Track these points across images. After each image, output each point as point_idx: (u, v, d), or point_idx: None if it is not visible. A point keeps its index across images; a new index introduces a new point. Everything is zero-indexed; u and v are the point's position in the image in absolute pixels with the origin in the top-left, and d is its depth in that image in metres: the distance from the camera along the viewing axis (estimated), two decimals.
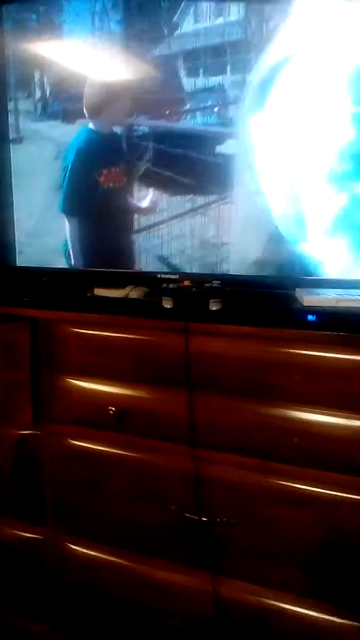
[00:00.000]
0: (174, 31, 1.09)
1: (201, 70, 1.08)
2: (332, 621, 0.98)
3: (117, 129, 1.21)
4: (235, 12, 1.02)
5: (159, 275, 1.18)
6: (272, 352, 0.96)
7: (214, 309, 1.05)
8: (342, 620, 0.97)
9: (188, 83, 1.09)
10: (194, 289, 1.10)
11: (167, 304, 1.07)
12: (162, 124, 1.13)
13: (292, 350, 0.95)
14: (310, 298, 0.98)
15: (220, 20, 1.03)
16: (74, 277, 1.31)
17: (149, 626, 1.14)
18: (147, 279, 1.21)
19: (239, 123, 1.04)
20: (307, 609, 1.00)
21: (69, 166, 1.28)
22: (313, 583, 0.99)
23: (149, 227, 1.19)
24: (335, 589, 0.98)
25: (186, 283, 1.13)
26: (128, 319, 1.07)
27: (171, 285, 1.12)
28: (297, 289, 1.06)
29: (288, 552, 1.00)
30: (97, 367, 1.11)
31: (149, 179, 1.17)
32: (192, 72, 1.08)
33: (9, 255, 1.34)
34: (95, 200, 1.25)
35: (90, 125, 1.26)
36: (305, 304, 0.98)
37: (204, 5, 1.04)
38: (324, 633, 0.99)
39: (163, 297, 1.07)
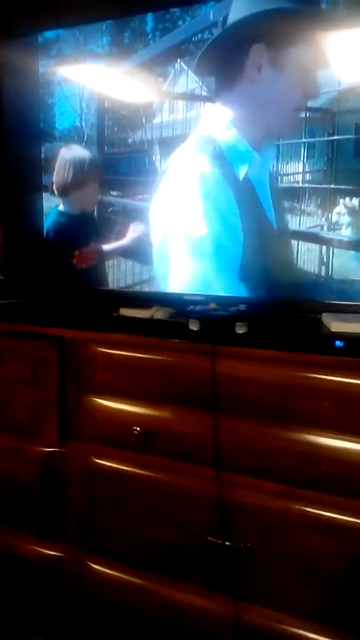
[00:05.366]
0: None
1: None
2: None
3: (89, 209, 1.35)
4: None
5: (185, 297, 1.19)
6: (299, 377, 0.96)
7: (241, 332, 1.06)
8: None
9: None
10: (220, 311, 1.11)
11: (194, 326, 1.08)
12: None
13: (319, 376, 0.95)
14: (338, 324, 0.98)
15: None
16: (100, 296, 1.34)
17: None
18: (173, 301, 1.23)
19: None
20: (333, 639, 0.98)
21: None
22: (338, 613, 0.98)
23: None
24: None
25: (212, 305, 1.15)
26: (155, 340, 1.08)
27: (197, 308, 1.14)
28: (323, 314, 1.07)
29: (313, 580, 0.99)
30: (122, 387, 1.12)
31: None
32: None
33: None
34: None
35: (60, 207, 1.34)
36: (332, 329, 0.99)
37: None
38: None
39: (190, 319, 1.08)
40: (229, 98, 1.15)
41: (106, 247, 1.32)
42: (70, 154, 1.33)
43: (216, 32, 1.16)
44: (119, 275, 1.33)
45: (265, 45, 1.08)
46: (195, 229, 1.18)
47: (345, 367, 0.93)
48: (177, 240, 1.21)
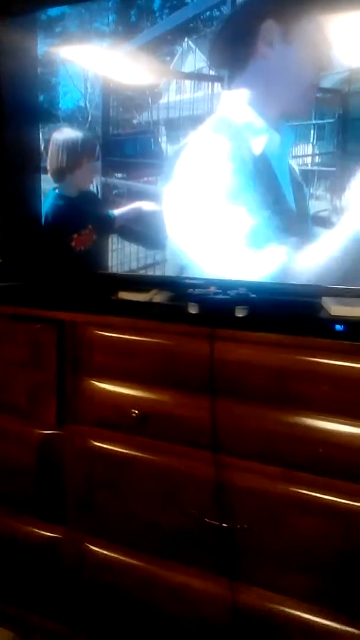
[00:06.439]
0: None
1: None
2: (352, 633, 0.97)
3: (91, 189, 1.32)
4: None
5: (184, 281, 1.18)
6: (298, 361, 0.96)
7: (240, 315, 1.05)
8: None
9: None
10: (220, 295, 1.10)
11: (193, 309, 1.07)
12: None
13: (318, 360, 0.94)
14: (338, 308, 0.98)
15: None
16: (99, 280, 1.33)
17: (166, 630, 1.15)
18: (172, 284, 1.22)
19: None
20: (327, 619, 0.99)
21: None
22: (334, 594, 0.98)
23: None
24: (357, 601, 0.97)
25: (212, 289, 1.14)
26: (153, 323, 1.08)
27: (197, 291, 1.13)
28: (323, 298, 1.06)
29: (309, 561, 0.99)
30: (121, 370, 1.11)
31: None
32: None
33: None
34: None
35: (57, 190, 1.32)
36: (332, 313, 0.98)
37: None
38: None
39: (189, 303, 1.08)
40: (243, 78, 1.12)
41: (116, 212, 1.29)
42: (62, 136, 1.31)
43: (225, 9, 1.12)
44: (122, 259, 1.31)
45: (275, 20, 1.06)
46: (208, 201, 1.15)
47: (345, 350, 0.92)
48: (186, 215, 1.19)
